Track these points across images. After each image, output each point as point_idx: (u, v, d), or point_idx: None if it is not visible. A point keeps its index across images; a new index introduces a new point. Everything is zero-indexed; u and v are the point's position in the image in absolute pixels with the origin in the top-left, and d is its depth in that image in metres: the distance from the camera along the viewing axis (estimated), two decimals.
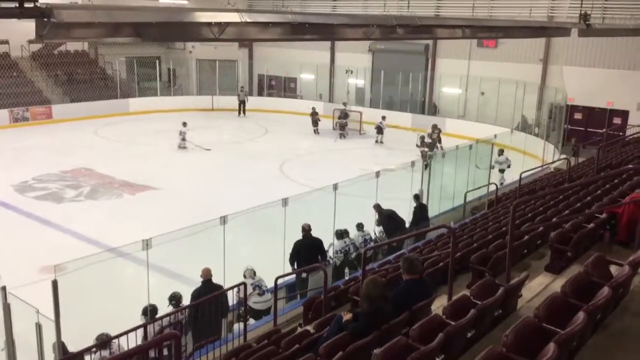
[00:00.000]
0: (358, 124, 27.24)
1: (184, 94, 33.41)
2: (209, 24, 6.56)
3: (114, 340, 7.01)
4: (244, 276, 9.57)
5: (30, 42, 27.94)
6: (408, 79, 29.34)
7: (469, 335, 4.55)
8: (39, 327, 7.10)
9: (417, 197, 13.55)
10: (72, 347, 7.02)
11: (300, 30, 7.59)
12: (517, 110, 25.18)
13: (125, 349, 6.65)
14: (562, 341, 3.55)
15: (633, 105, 23.19)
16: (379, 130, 25.10)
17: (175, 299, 8.58)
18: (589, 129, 24.13)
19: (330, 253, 11.29)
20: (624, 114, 23.57)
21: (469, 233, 9.97)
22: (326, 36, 9.49)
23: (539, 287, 5.93)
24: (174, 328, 7.91)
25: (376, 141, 25.14)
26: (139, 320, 8.02)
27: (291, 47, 29.77)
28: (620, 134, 22.17)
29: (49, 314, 6.94)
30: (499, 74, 25.51)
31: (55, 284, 6.73)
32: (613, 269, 5.18)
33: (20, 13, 4.82)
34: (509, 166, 17.93)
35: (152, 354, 6.93)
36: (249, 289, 9.28)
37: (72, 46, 31.14)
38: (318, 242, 10.75)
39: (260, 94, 35.24)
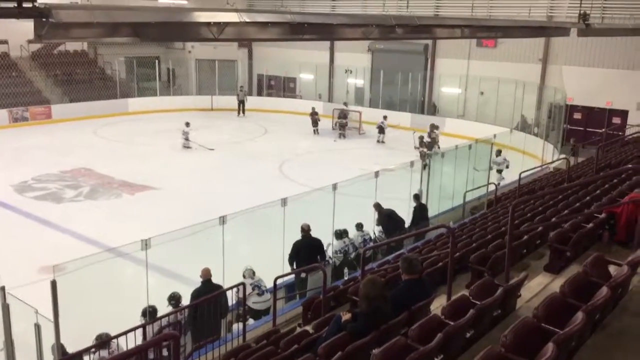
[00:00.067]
0: (357, 124, 27.26)
1: (184, 94, 33.39)
2: (207, 24, 6.56)
3: (113, 340, 7.01)
4: (243, 276, 9.57)
5: (29, 42, 27.90)
6: (407, 79, 29.34)
7: (468, 335, 4.55)
8: (37, 327, 7.10)
9: (416, 197, 13.55)
10: (72, 348, 7.01)
11: (299, 30, 7.59)
12: (517, 110, 25.19)
13: (125, 349, 6.66)
14: (561, 341, 3.55)
15: (632, 105, 23.20)
16: (381, 129, 25.11)
17: (174, 299, 8.58)
18: (588, 129, 24.13)
19: (329, 253, 11.28)
20: (623, 114, 23.58)
21: (468, 233, 9.97)
22: (325, 36, 9.49)
23: (538, 287, 5.93)
24: (174, 328, 7.92)
25: (378, 141, 25.14)
26: (139, 321, 8.02)
27: (290, 47, 29.76)
28: (620, 133, 22.17)
29: (48, 314, 6.94)
30: (498, 74, 25.52)
31: (54, 285, 6.73)
32: (612, 268, 5.18)
33: (19, 13, 4.81)
34: (507, 167, 17.91)
35: (151, 354, 6.92)
36: (248, 289, 9.28)
37: (71, 46, 31.12)
38: (317, 243, 10.74)
39: (259, 93, 35.24)
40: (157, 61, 32.13)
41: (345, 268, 11.30)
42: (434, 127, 22.66)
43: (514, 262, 6.74)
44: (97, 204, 16.57)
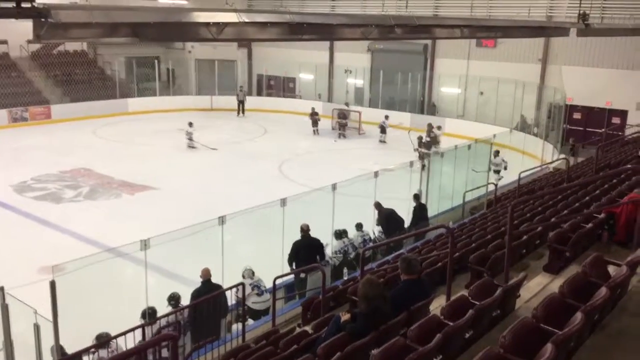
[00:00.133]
0: (357, 124, 27.26)
1: (183, 94, 33.36)
2: (207, 24, 6.55)
3: (112, 340, 7.00)
4: (243, 276, 9.57)
5: (29, 42, 27.87)
6: (407, 79, 29.35)
7: (467, 335, 4.55)
8: (37, 327, 7.09)
9: (416, 197, 13.55)
10: (71, 348, 7.00)
11: (299, 30, 7.59)
12: (516, 110, 25.20)
13: (124, 349, 6.66)
14: (560, 342, 3.54)
15: (632, 105, 23.19)
16: (382, 129, 25.11)
17: (174, 299, 8.58)
18: (588, 129, 24.13)
19: (328, 252, 11.27)
20: (623, 114, 23.57)
21: (467, 233, 9.97)
22: (324, 36, 9.49)
23: (537, 287, 5.93)
24: (174, 328, 7.92)
25: (380, 140, 25.13)
26: (138, 322, 8.01)
27: (290, 47, 29.76)
28: (619, 133, 22.17)
29: (48, 315, 6.94)
30: (498, 74, 25.51)
31: (53, 285, 6.72)
32: (611, 269, 5.18)
33: (18, 13, 4.81)
34: (505, 168, 17.87)
35: (150, 355, 6.91)
36: (248, 289, 9.28)
37: (71, 46, 31.11)
38: (317, 243, 10.73)
39: (259, 93, 35.23)
40: (156, 61, 32.13)
41: (345, 268, 11.30)
42: (431, 127, 22.64)
43: (513, 263, 6.73)
44: (97, 204, 16.57)
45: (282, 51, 31.88)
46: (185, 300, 8.65)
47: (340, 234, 11.54)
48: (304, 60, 32.19)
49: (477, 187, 15.42)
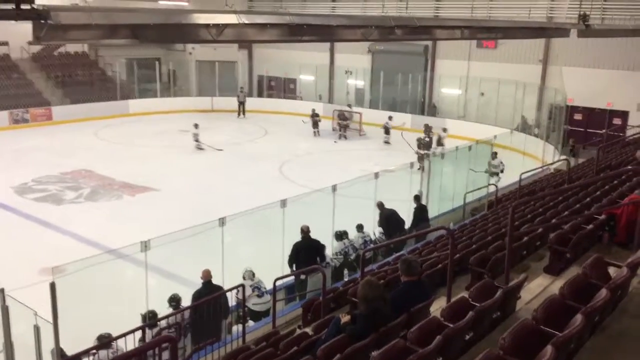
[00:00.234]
0: (358, 125, 27.25)
1: (184, 95, 33.39)
2: (206, 26, 6.55)
3: (113, 342, 7.00)
4: (243, 277, 9.57)
5: (30, 43, 27.82)
6: (407, 80, 29.34)
7: (467, 337, 4.54)
8: (37, 329, 7.09)
9: (417, 198, 13.54)
10: (71, 350, 6.99)
11: (299, 32, 7.59)
12: (517, 111, 25.19)
13: (125, 350, 6.66)
14: (560, 344, 3.54)
15: (633, 106, 23.17)
16: (386, 130, 25.08)
17: (175, 300, 8.58)
18: (589, 130, 24.10)
19: (329, 252, 11.26)
20: (624, 115, 23.55)
21: (468, 234, 9.96)
22: (324, 37, 9.50)
23: (538, 288, 5.91)
24: (174, 330, 7.91)
25: (384, 142, 25.08)
26: (139, 323, 8.00)
27: (291, 48, 29.77)
28: (620, 134, 22.14)
29: (49, 316, 6.93)
30: (498, 75, 25.50)
31: (53, 287, 6.71)
32: (611, 270, 5.17)
33: (17, 15, 4.80)
34: (502, 170, 17.81)
35: (151, 357, 6.91)
36: (248, 291, 9.27)
37: (72, 48, 31.16)
38: (317, 244, 10.72)
39: (259, 95, 35.24)
40: (157, 63, 32.14)
41: (345, 269, 11.29)
42: (428, 127, 22.61)
43: (514, 264, 6.72)
44: (98, 206, 16.57)
45: (283, 52, 31.89)
46: (186, 302, 8.65)
47: (340, 235, 11.53)
48: (304, 62, 32.19)
49: (478, 189, 15.41)
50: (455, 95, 28.45)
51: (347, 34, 9.20)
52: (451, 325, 4.32)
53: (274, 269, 10.03)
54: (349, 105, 28.88)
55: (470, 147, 16.18)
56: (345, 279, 10.49)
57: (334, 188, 11.73)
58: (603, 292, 4.25)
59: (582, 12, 15.94)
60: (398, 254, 10.79)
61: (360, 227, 12.05)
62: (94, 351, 6.87)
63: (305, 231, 10.62)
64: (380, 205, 12.69)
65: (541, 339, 3.72)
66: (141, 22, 5.96)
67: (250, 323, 9.31)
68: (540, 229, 7.75)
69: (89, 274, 7.80)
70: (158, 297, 8.72)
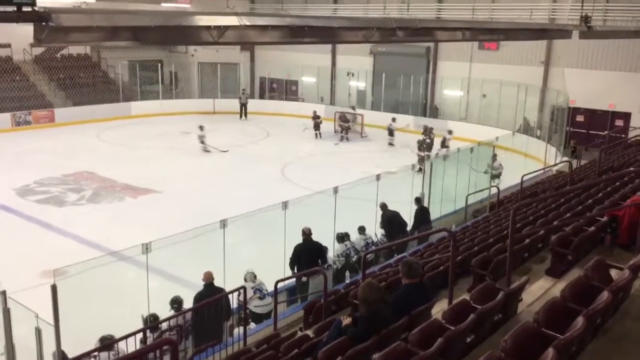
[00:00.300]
0: (359, 127, 27.24)
1: (186, 97, 33.45)
2: (208, 28, 6.56)
3: (115, 343, 7.00)
4: (245, 280, 9.56)
5: (32, 45, 27.99)
6: (409, 82, 29.33)
7: (469, 340, 4.53)
8: (38, 331, 7.08)
9: (418, 200, 13.52)
10: (72, 352, 6.99)
11: (300, 34, 7.58)
12: (519, 112, 25.15)
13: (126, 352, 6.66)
14: (561, 346, 3.52)
15: (635, 108, 23.14)
16: (390, 132, 25.06)
17: (176, 302, 8.58)
18: (591, 132, 24.07)
19: (330, 255, 11.25)
20: (626, 116, 23.51)
21: (470, 236, 9.93)
22: (326, 39, 9.48)
23: (539, 291, 5.90)
24: (176, 332, 7.91)
25: (389, 143, 25.04)
26: (140, 326, 8.00)
27: (292, 50, 29.80)
28: (623, 136, 22.10)
29: (50, 319, 6.93)
30: (500, 77, 25.47)
31: (54, 289, 6.71)
32: (613, 272, 5.15)
33: (18, 17, 4.81)
34: (500, 173, 17.76)
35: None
36: (250, 293, 9.27)
37: (74, 50, 31.19)
38: (318, 246, 10.71)
39: (261, 96, 35.26)
40: (160, 65, 32.17)
41: (347, 271, 11.28)
42: (426, 128, 22.59)
43: (515, 266, 6.70)
44: (100, 208, 16.59)
45: (285, 54, 31.91)
46: (188, 304, 8.64)
47: (342, 237, 11.52)
48: (306, 63, 32.22)
49: (480, 190, 15.38)
50: (457, 97, 28.43)
51: (348, 35, 9.20)
52: (452, 328, 4.31)
53: (275, 271, 10.02)
54: (353, 107, 28.86)
55: (472, 149, 16.16)
56: (347, 281, 10.47)
57: (336, 190, 11.72)
58: (605, 295, 4.24)
59: (584, 14, 15.92)
60: (400, 256, 10.78)
61: (362, 229, 12.04)
62: (95, 353, 6.86)
63: (306, 233, 10.61)
64: (383, 207, 12.67)
65: (542, 342, 3.71)
66: (142, 25, 5.97)
67: (252, 325, 9.31)
68: (542, 231, 7.73)
69: (90, 276, 7.80)
70: (160, 299, 8.71)
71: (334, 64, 32.95)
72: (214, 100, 32.42)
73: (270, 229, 11.14)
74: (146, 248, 8.33)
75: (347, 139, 26.31)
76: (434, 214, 13.95)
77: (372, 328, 4.70)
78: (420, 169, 15.92)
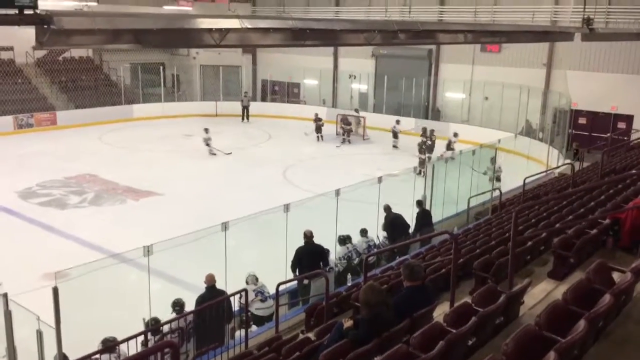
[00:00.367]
0: (361, 129, 27.24)
1: (188, 99, 33.48)
2: (209, 31, 6.55)
3: (116, 346, 6.99)
4: (247, 282, 9.55)
5: (34, 48, 27.93)
6: (411, 84, 29.34)
7: (470, 343, 4.51)
8: (39, 334, 7.08)
9: (419, 203, 13.50)
10: (74, 354, 6.99)
11: (302, 36, 7.58)
12: (521, 115, 25.12)
13: (127, 355, 6.65)
14: (563, 350, 3.51)
15: (638, 110, 23.12)
16: (395, 134, 25.04)
17: (178, 305, 8.58)
18: (593, 134, 24.04)
19: (332, 257, 11.23)
20: (629, 119, 23.49)
21: (472, 239, 9.92)
22: (327, 42, 9.51)
23: (541, 293, 5.87)
24: (178, 335, 7.90)
25: (393, 146, 25.01)
26: (141, 328, 8.00)
27: (294, 52, 29.85)
28: (625, 138, 22.07)
29: (52, 321, 6.93)
30: (502, 79, 25.47)
31: (55, 291, 6.71)
32: (615, 275, 5.13)
33: (20, 20, 4.82)
34: (499, 176, 17.68)
35: None
36: (251, 295, 9.26)
37: (76, 52, 31.28)
38: (320, 249, 10.70)
39: (263, 99, 35.31)
40: (162, 67, 32.24)
41: (349, 274, 11.26)
42: (425, 130, 22.56)
43: (517, 269, 6.69)
44: (102, 210, 16.60)
45: (287, 57, 31.95)
46: (190, 306, 8.63)
47: (344, 240, 11.51)
48: (308, 66, 32.25)
49: (482, 193, 15.36)
50: (459, 99, 28.43)
51: (350, 38, 9.19)
52: (454, 331, 4.30)
53: (277, 273, 10.02)
54: (357, 110, 28.84)
55: (474, 152, 16.14)
56: (349, 284, 10.46)
57: (337, 192, 11.72)
58: (607, 298, 4.22)
59: (586, 16, 15.91)
60: (402, 258, 10.76)
61: (364, 232, 12.02)
62: (97, 356, 6.86)
63: (308, 236, 10.60)
64: (387, 209, 12.65)
65: (544, 345, 3.70)
66: (144, 27, 5.97)
67: (253, 328, 9.30)
68: (544, 234, 7.71)
69: (92, 279, 7.80)
70: (161, 302, 8.71)
71: (336, 66, 32.97)
72: (216, 102, 32.46)
73: (272, 232, 11.13)
74: (147, 250, 8.33)
75: (349, 141, 26.31)
76: (436, 217, 13.93)
77: (373, 331, 4.69)
78: (420, 172, 15.89)
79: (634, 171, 11.09)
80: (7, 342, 7.26)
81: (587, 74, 24.00)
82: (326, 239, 11.16)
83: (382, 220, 12.69)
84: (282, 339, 6.91)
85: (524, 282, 5.44)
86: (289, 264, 10.54)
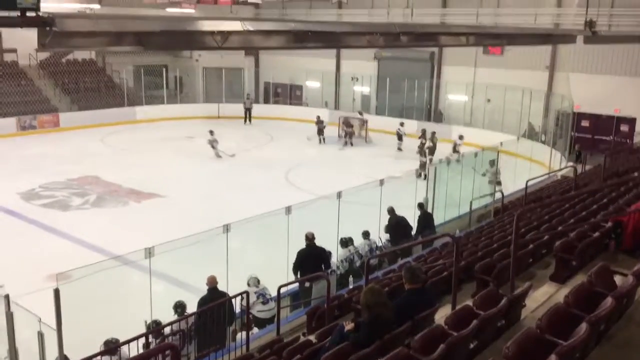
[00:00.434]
0: (364, 132, 27.24)
1: (191, 102, 33.52)
2: (212, 33, 6.55)
3: (117, 348, 6.99)
4: (248, 284, 9.55)
5: (37, 50, 28.05)
6: (414, 87, 29.33)
7: (472, 346, 4.50)
8: (41, 335, 7.09)
9: (421, 206, 13.49)
10: (75, 356, 6.99)
11: (304, 39, 7.58)
12: (524, 117, 25.10)
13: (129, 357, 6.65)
14: (565, 353, 3.50)
15: None
16: (399, 137, 25.01)
17: (180, 307, 8.58)
18: (596, 137, 24.01)
19: (334, 260, 11.22)
20: (631, 122, 23.43)
21: (474, 241, 9.91)
22: (329, 44, 9.51)
23: (543, 296, 5.86)
24: (179, 337, 7.90)
25: (398, 148, 24.94)
26: (143, 330, 7.99)
27: (297, 54, 29.83)
28: (628, 141, 22.03)
29: (54, 323, 6.94)
30: (505, 81, 25.44)
31: (57, 293, 6.72)
32: (617, 278, 5.12)
33: (22, 22, 4.81)
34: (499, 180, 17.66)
35: None
36: (253, 297, 9.25)
37: (79, 55, 31.35)
38: (321, 251, 10.69)
39: (266, 101, 35.32)
40: (164, 69, 32.31)
41: (350, 276, 11.25)
42: (424, 132, 22.53)
43: (519, 272, 6.68)
44: (104, 212, 16.62)
45: (289, 59, 31.97)
46: (192, 308, 8.63)
47: (346, 242, 11.50)
48: (310, 68, 32.28)
49: (484, 195, 15.35)
50: (462, 101, 28.41)
51: (352, 40, 9.19)
52: (455, 334, 4.29)
53: (278, 275, 10.01)
54: (360, 112, 28.83)
55: (476, 154, 16.12)
56: (350, 287, 10.44)
57: (339, 195, 11.71)
58: (609, 301, 4.21)
59: (588, 19, 15.87)
60: (404, 261, 10.75)
61: (366, 234, 12.01)
62: (98, 358, 6.85)
63: (310, 238, 10.59)
64: (390, 211, 12.63)
65: (546, 348, 3.69)
66: (146, 30, 5.97)
67: (255, 330, 9.28)
68: (546, 237, 7.70)
69: (93, 281, 7.80)
70: (163, 304, 8.72)
71: (338, 68, 32.99)
72: (218, 105, 32.50)
73: (274, 234, 11.13)
74: (149, 252, 8.33)
75: (351, 143, 26.30)
76: (438, 219, 13.91)
77: (374, 333, 4.69)
78: (421, 174, 15.87)
79: (636, 174, 11.06)
80: (9, 344, 7.27)
81: (590, 77, 23.97)
82: (328, 242, 11.15)
83: (384, 223, 12.68)
84: (283, 342, 6.90)
85: (525, 285, 5.44)
86: (291, 266, 10.54)
